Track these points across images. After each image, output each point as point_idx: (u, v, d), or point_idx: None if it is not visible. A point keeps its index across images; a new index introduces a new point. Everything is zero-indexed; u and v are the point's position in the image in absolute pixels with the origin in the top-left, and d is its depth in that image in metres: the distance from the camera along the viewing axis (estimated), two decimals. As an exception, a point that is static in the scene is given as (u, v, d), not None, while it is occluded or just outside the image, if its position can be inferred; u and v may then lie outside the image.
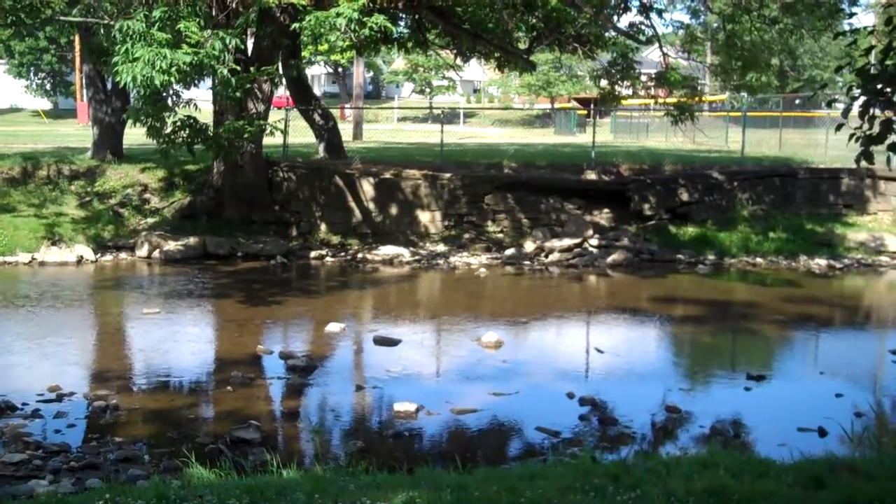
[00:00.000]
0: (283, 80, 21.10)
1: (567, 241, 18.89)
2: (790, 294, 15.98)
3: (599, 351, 12.06)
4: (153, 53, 13.17)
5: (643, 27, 21.12)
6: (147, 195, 20.06)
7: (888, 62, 5.32)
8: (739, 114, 27.12)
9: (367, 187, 20.29)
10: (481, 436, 8.74)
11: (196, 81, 15.09)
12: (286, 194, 20.36)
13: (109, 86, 21.96)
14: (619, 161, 22.27)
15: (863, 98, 5.45)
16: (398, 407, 9.21)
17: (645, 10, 20.60)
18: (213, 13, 15.58)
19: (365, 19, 13.97)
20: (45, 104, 60.89)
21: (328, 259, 18.73)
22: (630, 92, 21.89)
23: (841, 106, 5.93)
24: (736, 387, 10.46)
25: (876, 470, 5.73)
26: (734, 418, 9.10)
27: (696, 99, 21.46)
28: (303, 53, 27.02)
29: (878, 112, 5.40)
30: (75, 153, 22.04)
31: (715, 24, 24.26)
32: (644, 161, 22.41)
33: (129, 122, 16.25)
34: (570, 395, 9.77)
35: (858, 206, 20.91)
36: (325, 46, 53.39)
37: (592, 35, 20.08)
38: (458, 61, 23.88)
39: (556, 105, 62.52)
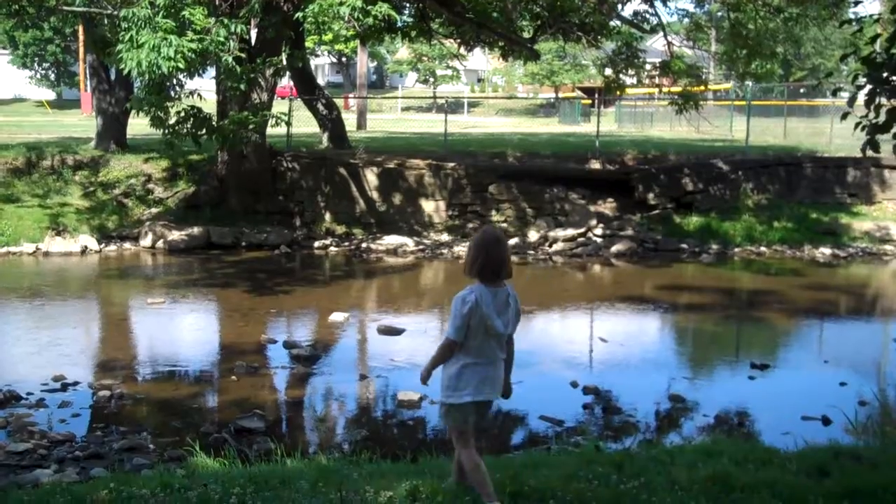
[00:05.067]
0: (287, 70, 21.05)
1: (571, 231, 18.88)
2: (794, 283, 15.96)
3: (603, 340, 12.06)
4: (159, 39, 13.11)
5: (647, 16, 21.06)
6: (151, 185, 20.06)
7: (894, 50, 5.29)
8: (744, 103, 27.01)
9: (371, 177, 20.28)
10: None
11: (200, 71, 15.06)
12: (290, 184, 20.34)
13: (113, 76, 21.96)
14: (623, 150, 22.23)
15: (868, 87, 5.42)
16: (402, 396, 9.22)
17: (649, -2, 20.53)
18: (217, 2, 15.54)
19: (369, 8, 13.91)
20: (49, 94, 60.97)
21: (332, 249, 18.73)
22: (634, 81, 21.81)
23: (846, 95, 5.91)
24: (740, 376, 10.46)
25: (880, 458, 5.72)
26: (738, 407, 9.09)
27: (701, 88, 21.39)
28: (306, 43, 26.93)
29: (884, 101, 5.37)
30: (79, 143, 22.05)
31: (719, 13, 24.13)
32: (648, 150, 22.37)
33: (133, 112, 16.25)
34: (574, 385, 9.77)
35: (863, 195, 20.87)
36: (329, 36, 53.31)
37: (597, 24, 20.00)
38: (462, 50, 23.83)
39: (561, 94, 62.41)
